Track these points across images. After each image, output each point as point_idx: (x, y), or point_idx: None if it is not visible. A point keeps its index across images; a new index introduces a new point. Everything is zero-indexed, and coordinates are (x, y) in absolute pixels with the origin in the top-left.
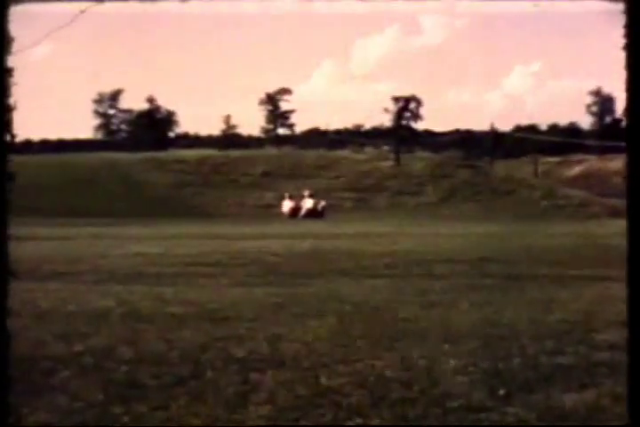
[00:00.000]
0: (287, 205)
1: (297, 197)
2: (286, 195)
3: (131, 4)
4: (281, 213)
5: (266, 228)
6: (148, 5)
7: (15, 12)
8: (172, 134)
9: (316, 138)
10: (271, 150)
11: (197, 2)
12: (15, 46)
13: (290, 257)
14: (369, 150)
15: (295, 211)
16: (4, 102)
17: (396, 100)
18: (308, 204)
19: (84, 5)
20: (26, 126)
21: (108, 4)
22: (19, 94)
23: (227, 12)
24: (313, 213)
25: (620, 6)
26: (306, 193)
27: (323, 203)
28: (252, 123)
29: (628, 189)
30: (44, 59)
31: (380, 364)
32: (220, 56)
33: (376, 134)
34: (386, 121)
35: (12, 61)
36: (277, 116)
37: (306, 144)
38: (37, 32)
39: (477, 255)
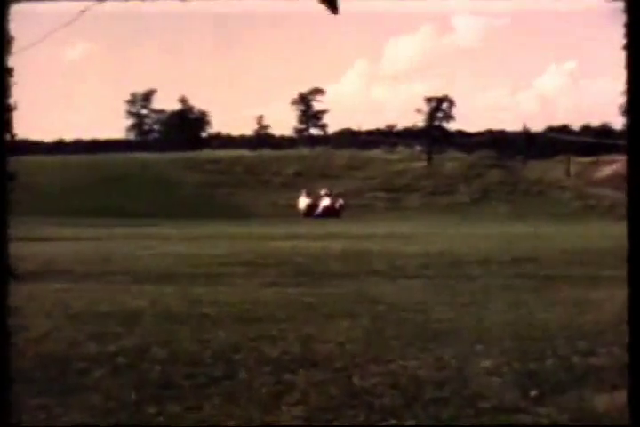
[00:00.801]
0: (303, 202)
1: (314, 195)
2: (304, 191)
3: (132, 3)
4: (297, 211)
5: (298, 228)
6: (182, 5)
7: (15, 12)
8: (204, 134)
9: (348, 138)
10: (303, 151)
11: (231, 1)
12: (15, 46)
13: (322, 257)
14: (401, 151)
15: (312, 208)
16: (3, 102)
17: (429, 100)
18: (325, 201)
19: (84, 5)
20: (59, 126)
21: (143, 3)
22: (51, 95)
23: (260, 10)
24: (330, 212)
25: None
26: (323, 191)
27: (340, 201)
28: (284, 123)
29: (629, 189)
30: (78, 59)
31: (413, 364)
32: (253, 56)
33: (408, 135)
34: (418, 121)
35: (45, 63)
36: (310, 116)
37: (338, 144)
38: (37, 31)
39: (510, 256)
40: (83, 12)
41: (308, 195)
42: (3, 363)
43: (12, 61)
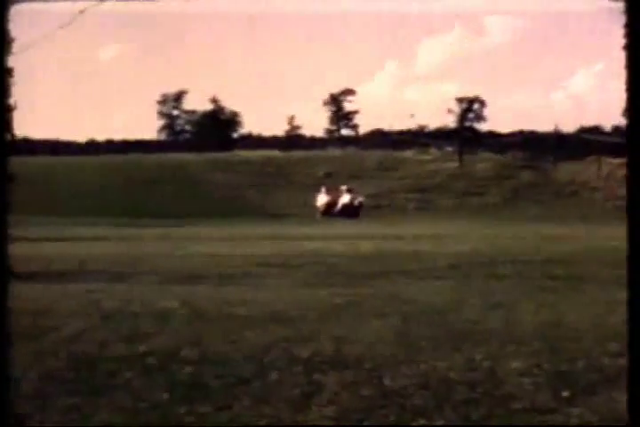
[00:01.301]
0: (322, 199)
1: (334, 191)
2: (323, 188)
3: (133, 3)
4: (315, 208)
5: (329, 228)
6: (215, 5)
7: (15, 12)
8: (235, 135)
9: (379, 139)
10: (334, 151)
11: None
12: (15, 46)
13: (353, 258)
14: (432, 151)
15: (330, 206)
16: (3, 102)
17: (460, 100)
18: (344, 199)
19: (84, 5)
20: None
21: (175, 4)
22: (83, 96)
23: (292, 10)
24: (348, 209)
25: None
26: (343, 188)
27: (360, 198)
28: (315, 124)
29: (629, 189)
30: (110, 60)
31: (444, 365)
32: (284, 56)
33: (440, 135)
34: (450, 122)
35: (77, 64)
36: (341, 116)
37: (369, 145)
38: (37, 31)
39: (541, 257)
40: (82, 12)
41: (328, 191)
42: (3, 363)
43: (12, 61)
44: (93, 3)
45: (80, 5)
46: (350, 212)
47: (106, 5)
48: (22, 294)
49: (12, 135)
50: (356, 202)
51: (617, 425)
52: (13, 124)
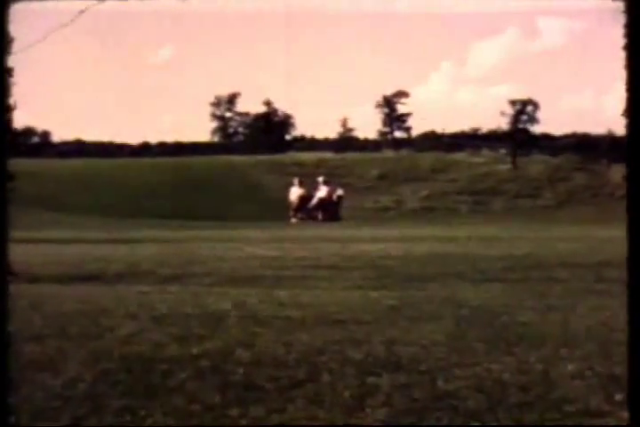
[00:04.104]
0: (295, 193)
1: (309, 184)
2: (296, 180)
3: (132, 3)
4: (288, 203)
5: (381, 231)
6: (269, 5)
7: (15, 12)
8: (288, 137)
9: (432, 141)
10: (387, 153)
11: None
12: (16, 46)
13: (406, 260)
14: (486, 154)
15: (304, 200)
16: (4, 102)
17: (513, 103)
18: (321, 192)
19: (84, 5)
20: (145, 129)
21: (224, 4)
22: (137, 98)
23: (345, 11)
24: (325, 205)
25: None
26: (320, 179)
27: (339, 192)
28: (368, 126)
29: (628, 190)
30: (164, 61)
31: (497, 368)
32: (337, 58)
33: (493, 137)
34: (503, 124)
35: (130, 65)
36: (394, 119)
37: (422, 147)
38: (37, 32)
39: (595, 259)
40: (82, 12)
41: (301, 184)
42: (3, 363)
43: (12, 61)
44: (93, 3)
45: (80, 5)
46: (327, 207)
47: (156, 5)
48: (76, 296)
49: (12, 135)
50: (334, 196)
51: (617, 425)
52: (13, 125)
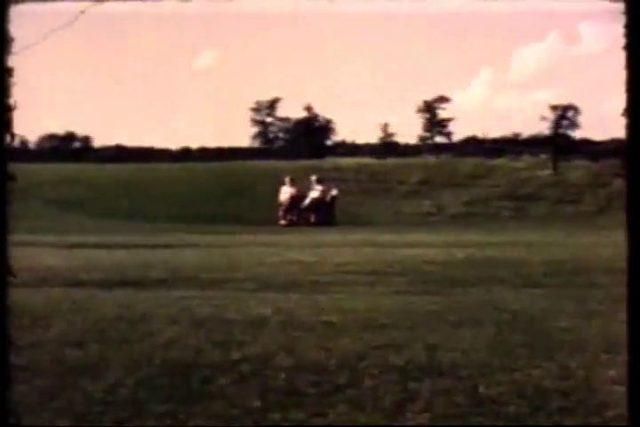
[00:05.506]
0: (286, 193)
1: (301, 183)
2: (287, 179)
3: (132, 3)
4: (278, 204)
5: (423, 235)
6: (312, 8)
7: (15, 12)
8: (329, 142)
9: (473, 146)
10: (428, 159)
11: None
12: (15, 46)
13: (446, 265)
14: (526, 159)
15: (296, 200)
16: (3, 102)
17: (554, 108)
18: (314, 193)
19: (84, 5)
20: (185, 134)
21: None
22: (178, 103)
23: (383, 13)
24: (319, 205)
25: None
26: (313, 178)
27: (334, 192)
28: (409, 131)
29: (628, 190)
30: (204, 67)
31: (539, 373)
32: (378, 63)
33: (534, 143)
34: (543, 129)
35: (172, 71)
36: (435, 124)
37: (463, 152)
38: (37, 32)
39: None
40: (83, 12)
41: (293, 183)
42: (3, 363)
43: (12, 61)
44: (93, 3)
45: (81, 5)
46: (321, 208)
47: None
48: (117, 301)
49: (12, 136)
50: (328, 196)
51: (617, 425)
52: (13, 125)
